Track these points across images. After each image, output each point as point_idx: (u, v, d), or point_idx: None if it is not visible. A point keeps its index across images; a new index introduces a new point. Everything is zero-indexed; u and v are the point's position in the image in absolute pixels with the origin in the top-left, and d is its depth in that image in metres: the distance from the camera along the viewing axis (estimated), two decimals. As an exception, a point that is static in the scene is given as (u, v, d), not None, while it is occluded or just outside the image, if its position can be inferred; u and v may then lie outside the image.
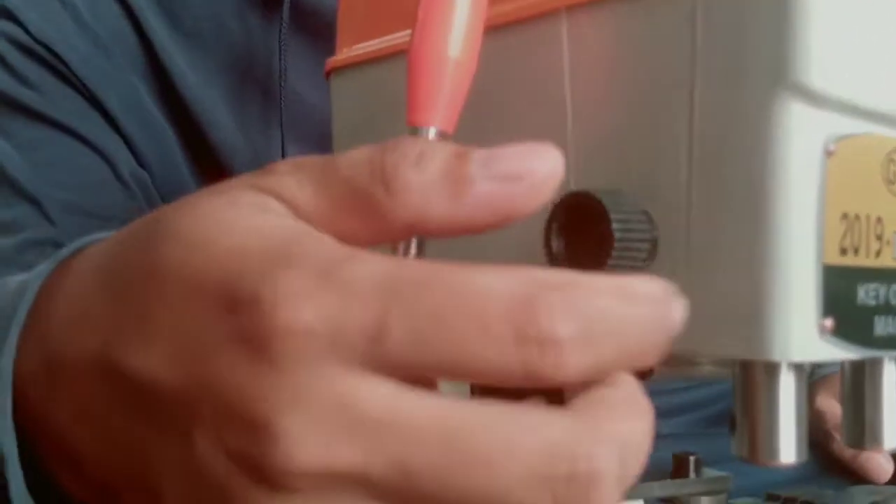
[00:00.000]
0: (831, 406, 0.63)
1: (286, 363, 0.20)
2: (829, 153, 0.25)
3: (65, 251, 0.28)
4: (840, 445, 0.60)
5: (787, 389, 0.27)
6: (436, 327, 0.19)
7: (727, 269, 0.25)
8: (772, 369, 0.27)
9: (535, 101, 0.31)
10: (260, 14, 0.61)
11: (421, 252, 0.25)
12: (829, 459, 0.61)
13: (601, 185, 0.29)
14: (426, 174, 0.21)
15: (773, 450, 0.27)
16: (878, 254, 0.27)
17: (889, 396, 0.31)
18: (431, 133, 0.26)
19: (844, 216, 0.25)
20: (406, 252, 0.25)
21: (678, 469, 0.36)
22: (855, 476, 0.60)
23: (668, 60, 0.27)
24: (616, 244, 0.26)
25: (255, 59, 0.62)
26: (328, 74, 0.41)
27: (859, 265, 0.26)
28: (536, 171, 0.21)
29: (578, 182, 0.30)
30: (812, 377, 0.66)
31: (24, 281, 0.28)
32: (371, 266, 0.20)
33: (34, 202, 0.55)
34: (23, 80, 0.59)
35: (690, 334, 0.26)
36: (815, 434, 0.63)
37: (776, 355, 0.24)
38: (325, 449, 0.19)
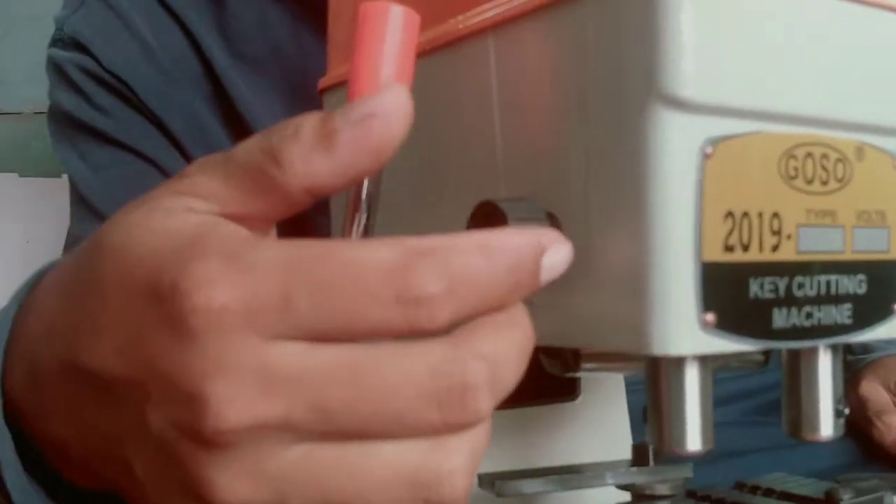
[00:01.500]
0: (875, 392, 0.62)
1: (207, 338, 0.23)
2: (706, 155, 0.26)
3: (33, 275, 0.32)
4: (881, 432, 0.59)
5: (692, 381, 0.28)
6: (331, 296, 0.23)
7: (618, 269, 0.27)
8: (677, 363, 0.28)
9: (468, 117, 0.33)
10: (314, 35, 0.64)
11: (368, 232, 0.28)
12: (872, 446, 0.60)
13: (524, 194, 0.31)
14: (303, 140, 0.25)
15: (680, 440, 0.28)
16: (774, 248, 0.28)
17: (824, 385, 0.32)
18: None
19: (729, 214, 0.27)
20: (350, 231, 0.28)
21: (638, 458, 0.38)
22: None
23: (570, 75, 0.29)
24: None
25: (310, 78, 0.65)
26: (321, 93, 0.44)
27: (750, 261, 0.27)
28: (384, 105, 0.25)
29: (508, 191, 0.32)
30: (859, 363, 0.65)
31: (5, 308, 0.32)
32: (271, 249, 0.24)
33: (103, 219, 0.61)
34: (96, 107, 0.65)
35: (589, 330, 0.28)
36: (859, 421, 0.62)
37: (654, 349, 0.26)
38: (251, 405, 0.23)
